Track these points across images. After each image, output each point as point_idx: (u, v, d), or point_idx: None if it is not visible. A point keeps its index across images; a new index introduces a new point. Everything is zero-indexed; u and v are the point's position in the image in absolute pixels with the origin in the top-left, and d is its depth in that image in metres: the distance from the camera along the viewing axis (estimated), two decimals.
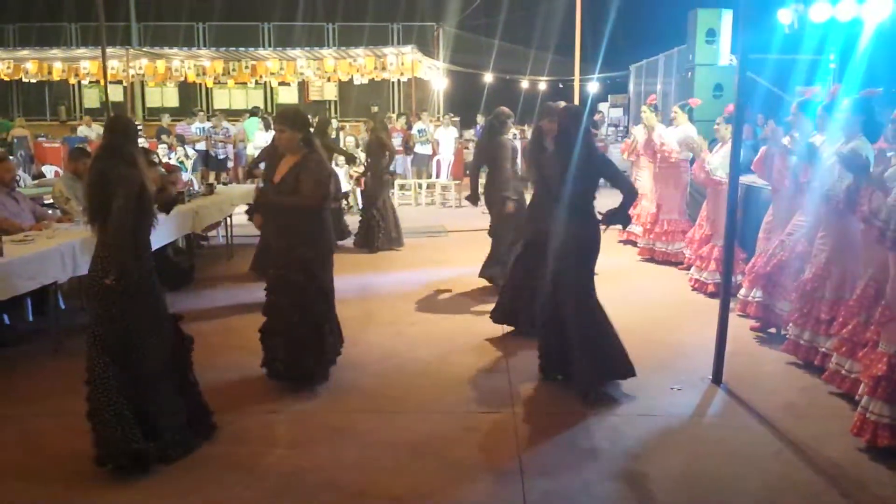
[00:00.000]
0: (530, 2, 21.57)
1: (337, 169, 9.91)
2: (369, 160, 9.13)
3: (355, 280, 7.15)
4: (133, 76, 17.44)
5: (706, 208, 6.89)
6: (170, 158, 11.64)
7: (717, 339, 4.51)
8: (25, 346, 5.27)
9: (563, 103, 5.43)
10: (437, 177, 14.19)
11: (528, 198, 5.83)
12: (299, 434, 3.87)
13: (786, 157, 5.15)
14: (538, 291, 4.69)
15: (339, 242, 8.68)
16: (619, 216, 4.39)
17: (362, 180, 9.91)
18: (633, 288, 6.97)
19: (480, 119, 16.12)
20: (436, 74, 19.05)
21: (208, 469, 3.48)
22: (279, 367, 4.41)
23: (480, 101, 19.28)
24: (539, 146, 5.60)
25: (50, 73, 17.80)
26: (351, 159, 9.97)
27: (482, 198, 6.64)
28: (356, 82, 18.45)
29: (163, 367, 3.57)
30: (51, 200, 7.22)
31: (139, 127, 13.08)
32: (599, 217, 4.36)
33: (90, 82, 18.98)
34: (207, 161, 14.34)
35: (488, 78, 20.20)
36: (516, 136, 12.37)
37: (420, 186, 13.77)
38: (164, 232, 5.97)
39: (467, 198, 6.82)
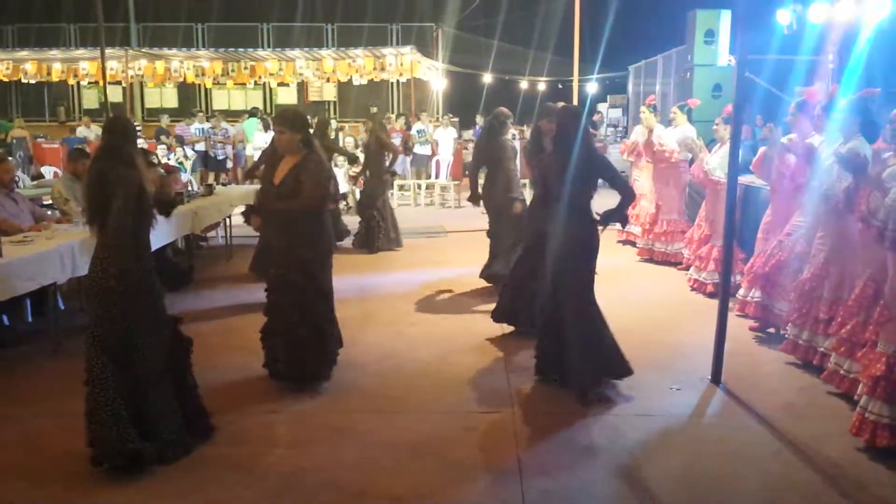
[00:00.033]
0: (529, 2, 21.59)
1: (336, 170, 9.92)
2: (367, 160, 9.14)
3: (355, 280, 7.16)
4: (132, 77, 17.46)
5: (705, 208, 6.90)
6: (169, 159, 11.65)
7: (715, 338, 4.52)
8: (25, 347, 5.27)
9: (562, 104, 5.45)
10: (437, 177, 14.20)
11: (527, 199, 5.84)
12: (299, 434, 3.87)
13: (784, 156, 5.16)
14: (538, 292, 4.69)
15: (338, 243, 8.69)
16: (617, 216, 4.43)
17: (360, 180, 9.91)
18: (632, 288, 6.97)
19: (479, 119, 16.13)
20: (435, 75, 19.06)
21: (208, 469, 3.48)
22: (280, 367, 4.41)
23: (479, 101, 19.30)
24: (538, 146, 5.61)
25: (49, 73, 17.81)
26: (353, 159, 9.98)
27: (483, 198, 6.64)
28: (355, 83, 18.47)
29: (162, 368, 3.57)
30: (50, 201, 7.22)
31: (138, 128, 13.14)
32: (597, 217, 4.37)
33: (89, 83, 18.99)
34: (206, 162, 14.34)
35: (487, 78, 20.22)
36: (515, 137, 12.36)
37: (419, 187, 13.78)
38: (163, 232, 5.97)
39: (469, 198, 6.82)
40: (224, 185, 12.83)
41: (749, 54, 4.87)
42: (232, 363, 4.84)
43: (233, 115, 17.96)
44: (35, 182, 10.32)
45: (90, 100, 20.66)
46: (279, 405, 4.20)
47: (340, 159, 10.48)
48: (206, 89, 20.58)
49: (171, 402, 3.60)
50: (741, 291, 5.64)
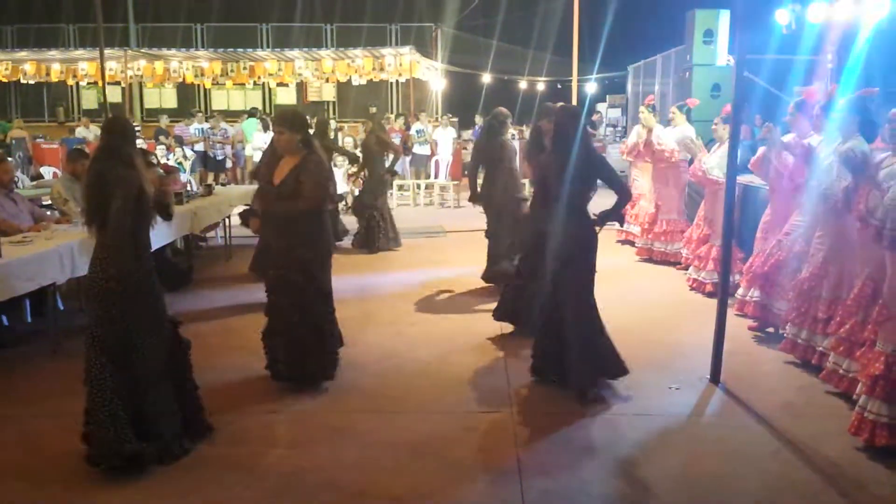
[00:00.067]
0: (528, 2, 21.59)
1: (335, 169, 9.92)
2: (365, 160, 9.14)
3: (355, 280, 7.16)
4: (131, 77, 17.46)
5: (704, 208, 6.91)
6: (168, 159, 11.65)
7: (714, 338, 4.53)
8: (24, 348, 5.27)
9: (561, 104, 5.45)
10: (436, 177, 14.21)
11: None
12: (299, 434, 3.88)
13: (783, 155, 5.16)
14: (539, 292, 4.70)
15: (337, 243, 8.69)
16: (613, 216, 4.47)
17: (358, 180, 9.92)
18: (632, 288, 6.98)
19: (479, 119, 16.13)
20: (434, 75, 19.06)
21: (208, 469, 3.48)
22: (280, 368, 4.41)
23: (479, 101, 19.29)
24: (538, 146, 5.61)
25: (48, 74, 17.80)
26: (354, 159, 10.00)
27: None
28: (354, 83, 18.47)
29: (162, 368, 3.57)
30: (49, 202, 7.23)
31: (137, 128, 13.14)
32: (594, 218, 4.38)
33: (88, 83, 18.99)
34: (206, 162, 14.34)
35: (486, 78, 20.22)
36: (514, 137, 12.38)
37: (418, 187, 13.78)
38: (162, 233, 5.96)
39: (469, 198, 6.82)
40: (223, 185, 12.83)
41: (748, 54, 4.88)
42: (232, 363, 4.84)
43: (232, 116, 17.96)
44: (34, 182, 10.31)
45: (89, 100, 20.66)
46: (279, 405, 4.21)
47: (340, 159, 10.47)
48: (205, 89, 20.58)
49: (171, 402, 3.60)
50: (740, 291, 5.65)
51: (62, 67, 17.70)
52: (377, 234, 8.78)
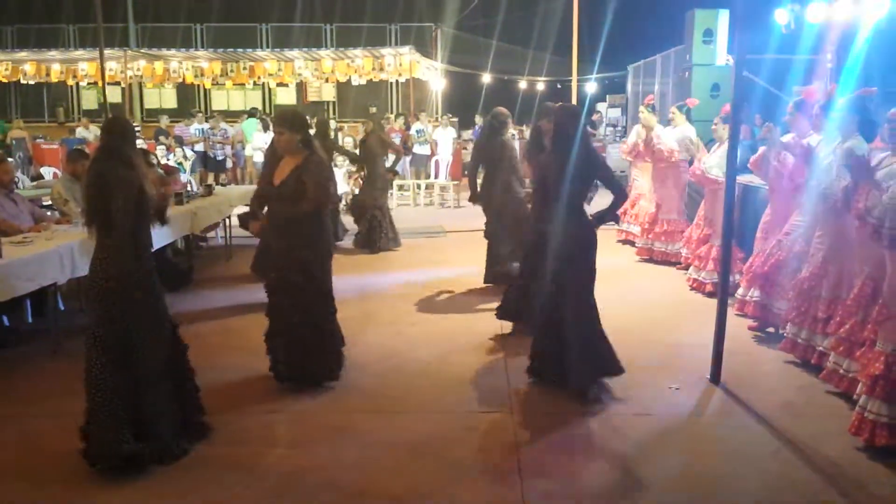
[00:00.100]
0: (528, 2, 21.59)
1: (335, 170, 9.92)
2: (366, 160, 9.14)
3: (355, 280, 7.16)
4: (131, 77, 17.46)
5: (703, 208, 6.91)
6: (168, 160, 11.66)
7: (715, 338, 4.53)
8: (24, 348, 5.27)
9: (561, 103, 5.44)
10: (436, 177, 14.20)
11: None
12: (299, 434, 3.88)
13: (782, 155, 5.16)
14: (539, 291, 4.69)
15: (337, 243, 8.69)
16: (609, 216, 4.48)
17: (358, 180, 9.92)
18: (632, 288, 6.98)
19: (479, 119, 16.13)
20: (434, 75, 19.06)
21: (208, 469, 3.48)
22: (282, 368, 4.42)
23: (479, 101, 19.29)
24: (539, 146, 5.61)
25: (48, 74, 17.81)
26: (355, 159, 10.00)
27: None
28: (354, 83, 18.47)
29: (162, 368, 3.57)
30: (49, 202, 7.23)
31: (137, 128, 13.13)
32: (590, 219, 4.39)
33: (88, 84, 18.99)
34: (206, 162, 14.34)
35: (486, 78, 20.22)
36: (514, 137, 12.38)
37: (419, 187, 13.78)
38: (162, 233, 5.95)
39: (469, 198, 6.82)
40: (223, 185, 12.84)
41: (747, 54, 4.88)
42: (232, 363, 4.84)
43: (232, 116, 17.96)
44: (34, 183, 10.33)
45: (89, 100, 20.67)
46: (279, 405, 4.21)
47: (340, 159, 10.48)
48: (205, 90, 20.59)
49: (171, 402, 3.60)
50: (740, 291, 5.65)
51: (62, 68, 17.70)
52: (379, 234, 8.78)
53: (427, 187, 14.07)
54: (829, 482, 3.36)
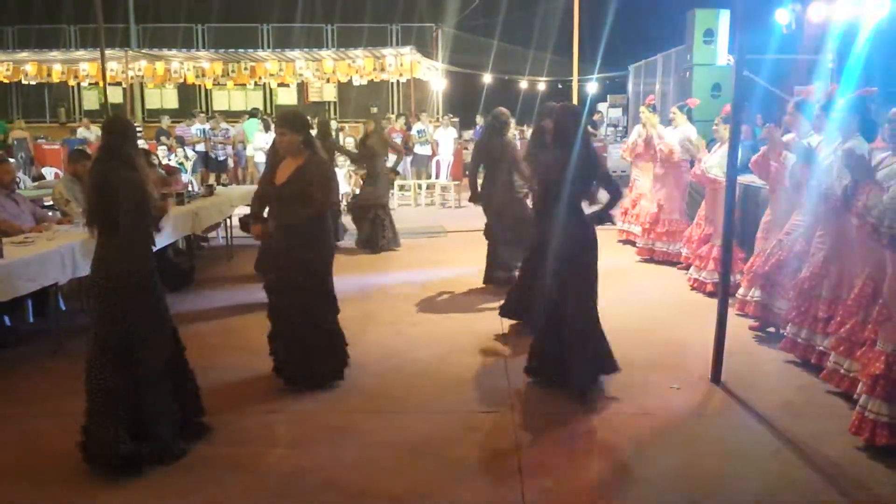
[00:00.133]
0: (529, 2, 21.60)
1: (337, 170, 9.92)
2: (367, 161, 9.15)
3: (355, 280, 7.16)
4: (132, 78, 17.48)
5: (704, 208, 6.90)
6: (169, 160, 11.67)
7: (715, 338, 4.52)
8: (25, 348, 5.28)
9: (562, 103, 5.44)
10: (437, 177, 14.21)
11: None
12: (299, 434, 3.88)
13: (783, 156, 5.16)
14: (540, 291, 4.69)
15: (338, 243, 8.69)
16: (606, 217, 4.50)
17: (359, 180, 9.93)
18: (633, 287, 6.97)
19: (479, 119, 16.14)
20: (435, 75, 19.07)
21: (208, 469, 3.49)
22: (283, 369, 4.41)
23: (479, 101, 19.30)
24: (541, 146, 5.61)
25: (49, 75, 17.84)
26: (356, 159, 10.00)
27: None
28: (355, 83, 18.48)
29: (163, 368, 3.58)
30: (51, 202, 7.23)
31: (139, 128, 13.13)
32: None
33: (89, 84, 19.01)
34: (207, 162, 14.36)
35: (487, 78, 20.24)
36: (515, 137, 12.38)
37: (419, 187, 13.79)
38: (164, 233, 5.97)
39: (470, 199, 6.82)
40: (224, 185, 12.85)
41: (748, 54, 4.88)
42: (232, 363, 4.84)
43: (233, 116, 17.98)
44: (36, 183, 10.35)
45: (90, 101, 20.70)
46: (279, 405, 4.21)
47: (341, 159, 10.49)
48: (206, 90, 20.62)
49: (171, 403, 3.60)
50: (741, 290, 5.65)
51: (63, 68, 17.73)
52: (380, 234, 8.80)
53: (428, 187, 14.08)
54: (830, 482, 3.36)
